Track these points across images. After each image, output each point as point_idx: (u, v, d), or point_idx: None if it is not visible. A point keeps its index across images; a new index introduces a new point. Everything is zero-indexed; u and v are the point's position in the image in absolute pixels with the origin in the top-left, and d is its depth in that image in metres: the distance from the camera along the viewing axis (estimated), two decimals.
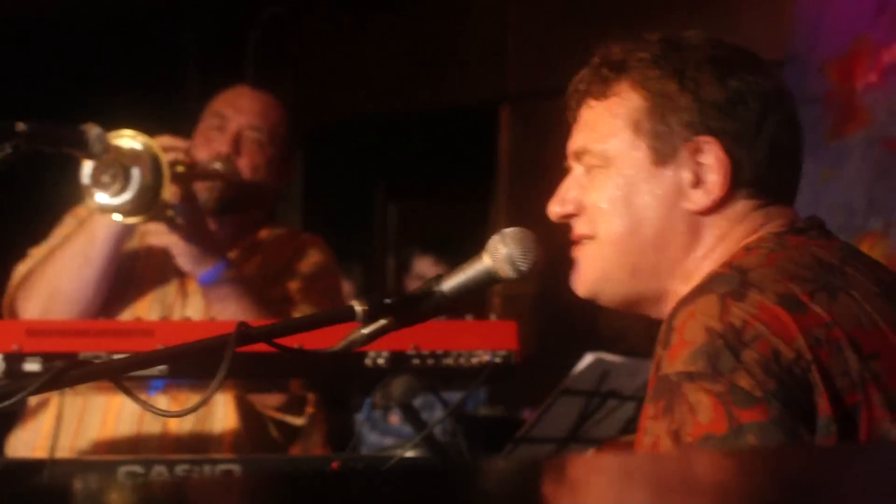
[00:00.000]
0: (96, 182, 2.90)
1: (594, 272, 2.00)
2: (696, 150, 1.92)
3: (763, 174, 1.94)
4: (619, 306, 2.03)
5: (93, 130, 2.70)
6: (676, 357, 1.76)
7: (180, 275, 3.19)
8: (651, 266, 1.96)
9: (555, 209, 2.03)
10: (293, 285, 3.27)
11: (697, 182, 1.93)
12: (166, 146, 2.97)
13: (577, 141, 2.02)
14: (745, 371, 1.71)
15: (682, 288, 1.93)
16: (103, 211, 2.95)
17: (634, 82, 1.95)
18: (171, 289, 3.22)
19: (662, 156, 1.93)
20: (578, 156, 2.02)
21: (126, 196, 2.91)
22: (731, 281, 1.80)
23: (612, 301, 2.02)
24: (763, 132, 1.93)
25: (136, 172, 2.90)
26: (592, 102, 2.00)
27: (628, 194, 1.95)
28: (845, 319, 1.79)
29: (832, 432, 1.73)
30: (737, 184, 1.93)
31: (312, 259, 3.34)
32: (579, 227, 2.01)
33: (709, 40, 1.97)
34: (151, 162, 2.91)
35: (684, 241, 1.94)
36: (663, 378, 1.76)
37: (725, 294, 1.78)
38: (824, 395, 1.73)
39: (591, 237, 2.00)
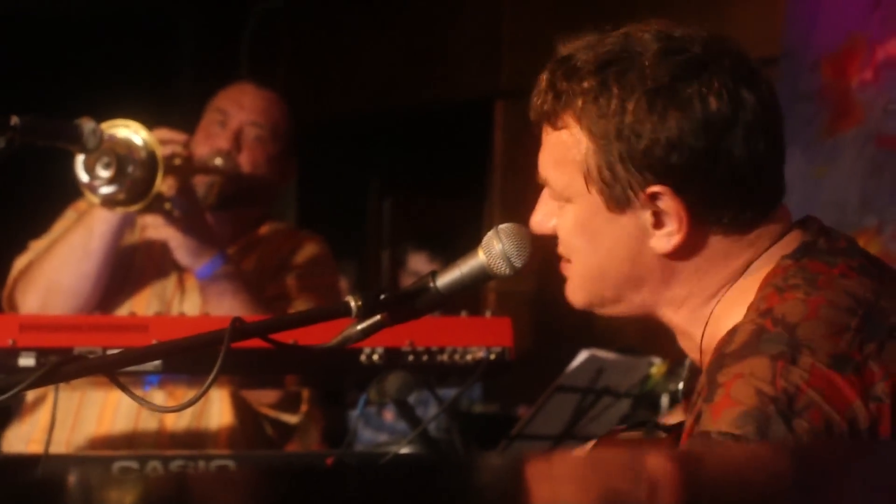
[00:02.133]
0: (90, 171, 2.90)
1: (579, 294, 1.95)
2: (651, 197, 1.83)
3: (729, 203, 1.85)
4: (613, 316, 1.98)
5: (87, 125, 2.70)
6: (721, 415, 1.69)
7: (179, 269, 3.19)
8: (632, 299, 1.91)
9: (535, 226, 1.96)
10: (290, 282, 3.27)
11: (659, 223, 1.85)
12: (164, 139, 2.97)
13: (541, 165, 1.94)
14: (796, 441, 1.65)
15: (677, 316, 1.90)
16: (97, 200, 2.95)
17: (578, 117, 1.85)
18: (169, 283, 3.22)
19: (618, 203, 1.85)
20: (544, 181, 1.94)
21: (119, 184, 2.91)
22: (780, 340, 1.72)
23: (606, 312, 1.96)
24: (718, 162, 1.82)
25: (129, 161, 2.90)
26: (548, 128, 1.92)
27: (591, 236, 1.89)
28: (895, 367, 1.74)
29: None
30: (703, 221, 1.85)
31: (310, 256, 3.34)
32: (560, 248, 1.95)
33: (657, 54, 1.83)
34: (145, 151, 2.91)
35: (660, 277, 1.88)
36: (704, 435, 1.70)
37: (776, 356, 1.71)
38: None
39: (568, 261, 1.94)
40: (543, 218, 1.95)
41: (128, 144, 2.90)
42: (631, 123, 1.81)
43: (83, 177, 2.91)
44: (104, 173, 2.89)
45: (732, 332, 1.79)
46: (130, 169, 2.91)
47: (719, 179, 1.83)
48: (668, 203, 1.83)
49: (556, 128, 1.89)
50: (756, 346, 1.73)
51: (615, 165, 1.83)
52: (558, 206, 1.92)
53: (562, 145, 1.88)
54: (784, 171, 1.93)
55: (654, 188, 1.82)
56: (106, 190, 2.92)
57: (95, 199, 2.96)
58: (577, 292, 1.95)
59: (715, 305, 1.88)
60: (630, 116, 1.81)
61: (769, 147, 1.87)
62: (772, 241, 1.88)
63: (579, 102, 1.85)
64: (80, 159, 2.90)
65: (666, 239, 1.85)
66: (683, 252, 1.86)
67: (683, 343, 1.95)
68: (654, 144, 1.81)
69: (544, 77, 1.91)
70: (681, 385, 2.11)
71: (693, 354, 1.93)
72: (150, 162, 2.91)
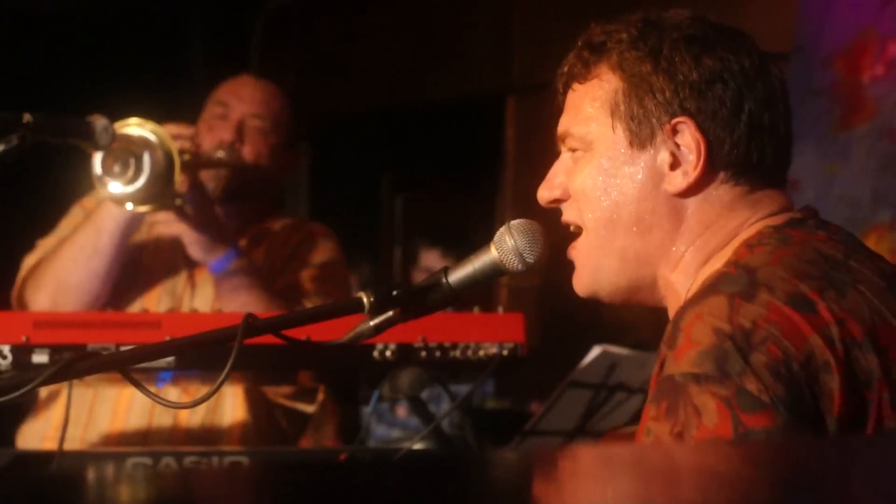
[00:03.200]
0: (108, 171, 2.90)
1: (589, 266, 1.99)
2: (673, 132, 1.91)
3: (744, 155, 1.92)
4: (617, 300, 2.01)
5: (99, 122, 2.70)
6: (682, 358, 1.73)
7: (189, 265, 3.20)
8: (638, 251, 1.94)
9: (543, 194, 2.03)
10: (300, 273, 3.27)
11: (675, 164, 1.91)
12: (172, 134, 2.97)
13: (561, 124, 2.02)
14: (754, 375, 1.68)
15: (673, 275, 1.93)
16: (115, 200, 2.95)
17: (613, 64, 1.95)
18: (180, 280, 3.22)
19: (640, 138, 1.93)
20: (563, 139, 2.02)
21: (138, 184, 2.91)
22: (738, 281, 1.78)
23: (610, 293, 2.00)
24: (741, 111, 1.91)
25: (146, 160, 2.90)
26: (576, 85, 2.00)
27: (608, 178, 1.94)
28: (856, 315, 1.76)
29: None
30: (716, 164, 1.91)
31: (319, 247, 3.35)
32: (567, 213, 2.00)
33: (690, 18, 1.96)
34: (162, 149, 2.91)
35: (668, 224, 1.93)
36: (668, 379, 1.74)
37: (734, 294, 1.75)
38: (837, 395, 1.70)
39: (577, 224, 1.99)
40: (554, 182, 2.02)
41: (144, 142, 2.90)
42: (667, 59, 1.91)
43: (101, 177, 2.92)
44: (122, 172, 2.89)
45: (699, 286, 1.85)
46: (148, 167, 2.91)
47: (739, 128, 1.91)
48: (689, 137, 1.90)
49: (585, 80, 1.98)
50: (715, 286, 1.79)
51: (645, 99, 1.92)
52: (574, 160, 1.99)
53: (590, 93, 1.97)
54: (788, 162, 1.99)
55: (680, 119, 1.90)
56: (125, 189, 2.92)
57: (111, 197, 2.95)
58: (586, 265, 1.99)
59: (701, 267, 1.92)
60: (666, 54, 1.91)
61: (782, 126, 1.96)
62: (772, 211, 1.94)
63: (615, 50, 1.95)
64: (97, 158, 2.90)
65: (681, 176, 1.91)
66: (693, 197, 1.93)
67: (671, 308, 1.97)
68: (687, 80, 1.90)
69: (578, 43, 2.01)
70: None
71: None
72: (166, 158, 2.92)
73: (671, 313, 1.96)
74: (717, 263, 1.88)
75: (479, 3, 6.07)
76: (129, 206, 2.96)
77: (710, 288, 1.79)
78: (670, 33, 1.93)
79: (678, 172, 1.91)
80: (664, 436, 1.72)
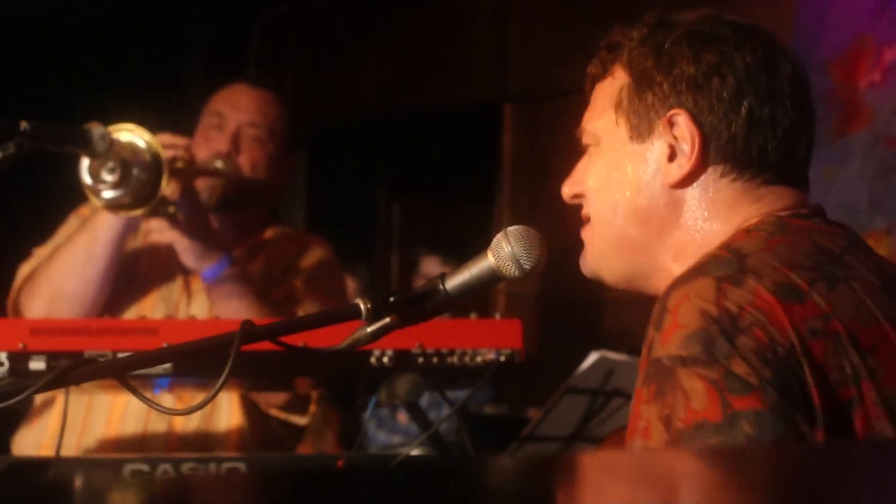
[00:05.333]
0: (95, 176, 2.90)
1: (592, 251, 2.05)
2: (670, 124, 1.95)
3: (742, 148, 1.94)
4: (618, 283, 2.06)
5: (96, 130, 2.71)
6: (669, 340, 1.74)
7: (185, 273, 3.20)
8: (636, 240, 1.99)
9: (565, 191, 2.08)
10: (297, 285, 3.27)
11: (672, 156, 1.95)
12: (166, 143, 2.97)
13: (581, 121, 2.08)
14: (741, 357, 1.69)
15: (673, 265, 1.94)
16: (103, 205, 2.95)
17: (624, 62, 2.00)
18: (175, 287, 3.22)
19: (640, 131, 1.97)
20: (580, 135, 2.07)
21: (124, 189, 2.91)
22: (728, 265, 1.79)
23: (611, 278, 2.05)
24: (740, 105, 1.93)
25: (134, 165, 2.90)
26: (596, 85, 2.06)
27: (612, 171, 2.00)
28: (844, 311, 1.77)
29: (823, 426, 1.69)
30: (713, 157, 1.94)
31: (317, 259, 3.34)
32: (585, 207, 2.06)
33: (702, 15, 1.99)
34: (149, 155, 2.91)
35: (666, 215, 1.96)
36: (655, 361, 1.74)
37: (722, 278, 1.76)
38: (814, 389, 1.69)
39: (589, 218, 2.05)
40: (576, 178, 2.07)
41: (132, 148, 2.90)
42: (667, 54, 1.95)
43: (88, 181, 2.92)
44: (109, 177, 2.89)
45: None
46: (135, 173, 2.91)
47: (737, 122, 1.93)
48: (684, 129, 1.94)
49: (602, 79, 2.04)
50: (704, 268, 1.80)
51: (646, 92, 1.96)
52: (589, 156, 2.05)
53: (603, 90, 2.03)
54: (798, 158, 1.99)
55: (675, 111, 1.93)
56: (111, 194, 2.93)
57: (100, 203, 2.96)
58: (590, 250, 2.05)
59: None
60: (668, 49, 1.95)
61: (791, 122, 1.96)
62: (773, 208, 1.94)
63: (626, 49, 2.00)
64: (85, 164, 2.90)
65: (677, 168, 1.95)
66: (692, 188, 1.95)
67: None
68: (684, 74, 1.94)
69: (601, 43, 2.06)
70: None
71: None
72: (154, 165, 2.92)
73: None
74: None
75: (476, 12, 6.07)
76: (113, 206, 2.95)
77: (699, 269, 1.81)
78: (676, 30, 1.97)
79: (675, 164, 1.95)
80: (652, 419, 1.72)
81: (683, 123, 1.94)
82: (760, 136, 1.94)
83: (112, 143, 2.75)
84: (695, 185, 1.95)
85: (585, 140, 2.06)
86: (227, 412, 3.17)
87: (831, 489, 1.09)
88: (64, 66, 5.86)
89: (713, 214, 1.94)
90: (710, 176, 1.95)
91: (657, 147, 1.96)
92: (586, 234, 2.06)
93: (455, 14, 6.14)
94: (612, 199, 2.00)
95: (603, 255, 2.04)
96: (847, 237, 1.92)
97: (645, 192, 1.97)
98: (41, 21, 6.01)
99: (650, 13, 2.01)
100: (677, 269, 1.93)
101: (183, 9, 6.74)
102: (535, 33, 5.72)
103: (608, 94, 2.01)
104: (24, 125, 2.46)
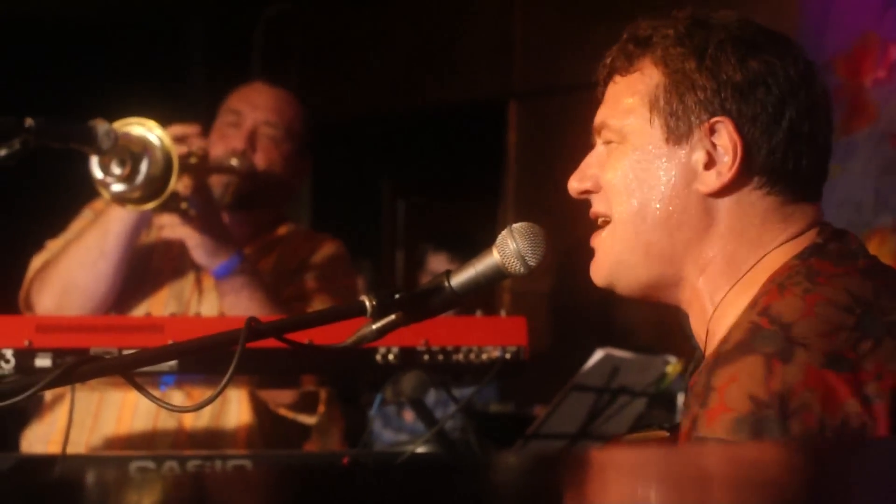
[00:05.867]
0: (105, 169, 2.90)
1: (610, 257, 1.96)
2: (711, 131, 1.89)
3: (780, 162, 1.89)
4: (635, 294, 1.98)
5: (101, 126, 2.70)
6: (716, 421, 1.70)
7: (197, 269, 3.20)
8: (664, 248, 1.91)
9: (573, 185, 2.00)
10: (308, 283, 3.27)
11: (710, 163, 1.89)
12: (178, 135, 2.97)
13: (599, 115, 2.00)
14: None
15: (700, 281, 1.90)
16: (114, 199, 2.96)
17: (657, 58, 1.92)
18: (187, 284, 3.23)
19: (677, 134, 1.90)
20: (599, 131, 1.99)
21: (135, 182, 2.91)
22: (774, 339, 1.73)
23: (628, 287, 1.97)
24: (782, 118, 1.89)
25: (144, 159, 2.90)
26: (617, 78, 1.97)
27: (641, 172, 1.92)
28: (893, 365, 1.74)
29: None
30: (751, 168, 1.89)
31: (329, 259, 3.34)
32: (596, 205, 1.98)
33: (738, 20, 1.94)
34: (160, 149, 2.91)
35: (697, 224, 1.90)
36: (700, 440, 1.71)
37: (770, 355, 1.71)
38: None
39: (606, 216, 1.96)
40: (587, 173, 1.99)
41: (143, 142, 2.90)
42: (712, 58, 1.89)
43: (98, 174, 2.92)
44: (119, 171, 2.89)
45: (731, 331, 1.80)
46: (146, 166, 2.91)
47: (778, 135, 1.89)
48: (726, 137, 1.88)
49: (627, 73, 1.96)
50: (750, 344, 1.74)
51: (686, 96, 1.90)
52: (608, 152, 1.97)
53: (630, 86, 1.95)
54: (825, 174, 1.97)
55: (718, 118, 1.88)
56: (121, 188, 2.93)
57: (110, 197, 2.96)
58: (608, 255, 1.96)
59: (730, 289, 1.89)
60: (712, 52, 1.89)
61: (822, 137, 1.95)
62: (801, 229, 1.91)
63: (660, 45, 1.92)
64: (94, 158, 2.90)
65: (715, 177, 1.89)
66: (725, 198, 1.90)
67: (695, 317, 1.94)
68: (730, 80, 1.88)
69: (623, 35, 1.98)
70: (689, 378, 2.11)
71: (700, 331, 1.93)
72: (165, 159, 2.92)
73: (693, 320, 1.95)
74: (747, 291, 1.85)
75: (480, 9, 6.07)
76: (122, 200, 2.95)
77: (745, 346, 1.75)
78: (717, 33, 1.91)
79: (712, 172, 1.89)
80: None
81: (726, 132, 1.88)
82: (797, 150, 1.90)
83: (117, 140, 2.74)
84: (729, 195, 1.90)
85: (607, 136, 1.97)
86: (236, 409, 3.17)
87: (831, 489, 1.09)
88: (68, 63, 5.87)
89: (744, 230, 1.90)
90: (746, 187, 1.90)
91: (695, 152, 1.90)
92: (602, 239, 1.98)
93: (459, 11, 6.14)
94: (640, 203, 1.92)
95: (623, 263, 1.95)
96: (872, 271, 1.87)
97: (678, 198, 1.90)
98: (45, 18, 6.01)
99: (680, 10, 1.95)
100: (704, 287, 1.90)
101: (186, 5, 6.75)
102: (540, 30, 5.72)
103: (638, 90, 1.93)
104: (28, 122, 2.46)
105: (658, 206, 1.91)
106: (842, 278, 1.83)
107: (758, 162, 1.89)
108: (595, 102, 2.04)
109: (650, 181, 1.92)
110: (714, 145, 1.89)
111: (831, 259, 1.86)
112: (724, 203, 1.90)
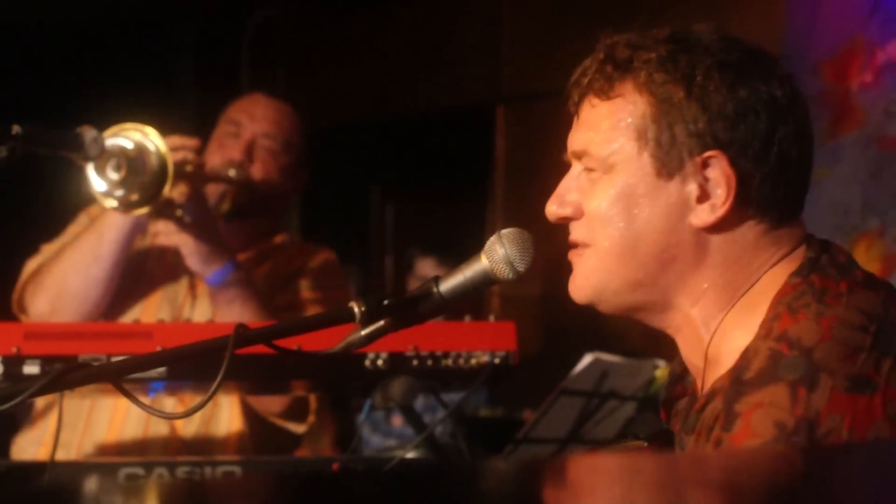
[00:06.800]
0: (100, 174, 2.91)
1: (592, 280, 1.93)
2: (703, 164, 1.85)
3: (771, 191, 1.87)
4: (617, 314, 1.96)
5: (89, 133, 2.70)
6: (742, 446, 1.70)
7: (190, 275, 3.20)
8: (656, 279, 1.89)
9: (553, 209, 1.95)
10: (301, 293, 3.28)
11: (703, 197, 1.86)
12: (175, 145, 2.98)
13: (578, 140, 1.95)
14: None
15: (694, 310, 1.88)
16: (107, 203, 2.96)
17: (640, 84, 1.88)
18: (181, 289, 3.23)
19: (668, 168, 1.86)
20: (579, 156, 1.95)
21: (130, 187, 2.92)
22: (798, 366, 1.72)
23: (611, 309, 1.95)
24: (772, 145, 1.86)
25: (140, 164, 2.91)
26: (595, 101, 1.92)
27: (630, 206, 1.88)
28: None
29: None
30: (744, 200, 1.86)
31: (322, 269, 3.35)
32: (576, 233, 1.94)
33: (720, 40, 1.89)
34: (156, 154, 2.92)
35: (692, 257, 1.88)
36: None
37: (795, 383, 1.71)
38: None
39: (585, 244, 1.93)
40: (566, 198, 1.94)
41: (139, 147, 2.91)
42: (700, 88, 1.84)
43: (94, 179, 2.92)
44: (115, 176, 2.90)
45: (748, 356, 1.78)
46: (141, 171, 2.91)
47: (769, 163, 1.86)
48: (719, 171, 1.85)
49: (607, 98, 1.90)
50: (774, 372, 1.73)
51: (675, 127, 1.85)
52: (590, 180, 1.92)
53: (613, 113, 1.90)
54: (807, 189, 1.95)
55: (711, 153, 1.84)
56: (117, 192, 2.93)
57: (107, 202, 2.96)
58: (590, 278, 1.92)
59: (727, 313, 1.88)
60: (700, 82, 1.85)
61: (806, 160, 1.91)
62: (792, 247, 1.89)
63: (643, 70, 1.87)
64: (90, 169, 2.91)
65: (709, 211, 1.86)
66: (719, 232, 1.87)
67: (687, 344, 1.93)
68: (721, 112, 1.84)
69: (598, 54, 1.92)
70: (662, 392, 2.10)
71: (695, 358, 1.92)
72: (160, 165, 2.92)
73: (684, 346, 1.94)
74: (746, 313, 1.84)
75: (468, 14, 6.07)
76: (114, 205, 2.96)
77: (769, 374, 1.74)
78: (702, 57, 1.86)
79: (706, 206, 1.86)
80: None
81: (720, 166, 1.85)
82: (787, 177, 1.88)
83: (105, 148, 2.75)
84: (723, 227, 1.87)
85: (589, 163, 1.92)
86: (227, 415, 3.17)
87: (827, 492, 1.09)
88: (56, 69, 5.86)
89: (737, 258, 1.88)
90: (737, 218, 1.87)
91: (687, 185, 1.86)
92: (583, 259, 1.94)
93: (447, 16, 6.14)
94: (629, 234, 1.88)
95: (609, 288, 1.92)
96: (871, 284, 1.85)
97: (671, 232, 1.87)
98: (33, 25, 6.00)
99: (659, 29, 1.90)
100: (698, 315, 1.88)
101: (175, 11, 6.74)
102: (528, 35, 5.72)
103: (621, 119, 1.88)
104: (16, 129, 2.46)
105: (650, 241, 1.88)
106: (849, 296, 1.81)
107: (751, 193, 1.87)
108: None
109: (641, 214, 1.88)
110: (707, 179, 1.86)
111: (831, 275, 1.85)
112: (717, 236, 1.88)
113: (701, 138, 1.85)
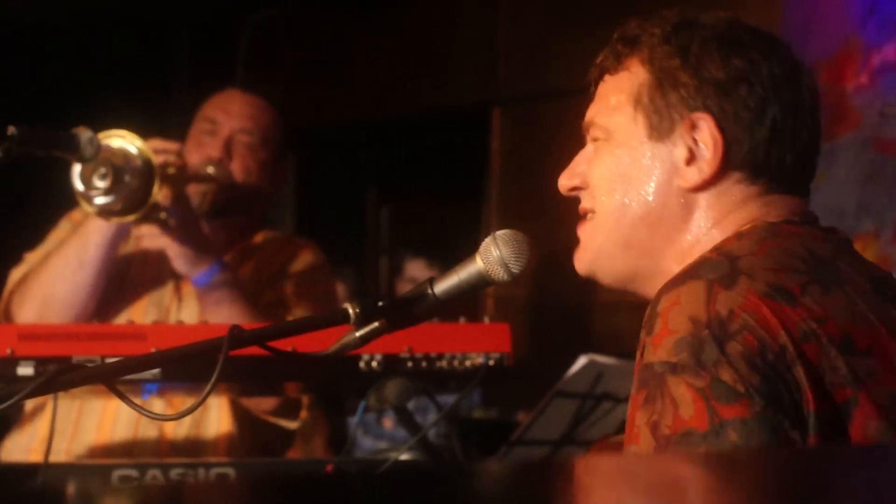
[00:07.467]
0: (86, 181, 2.90)
1: (591, 248, 2.00)
2: (692, 127, 1.91)
3: (761, 158, 1.92)
4: (615, 284, 2.01)
5: (84, 134, 2.70)
6: (660, 345, 1.73)
7: (176, 278, 3.20)
8: (643, 241, 1.94)
9: (563, 182, 2.03)
10: (287, 289, 3.27)
11: (691, 159, 1.91)
12: (157, 149, 2.98)
13: (588, 114, 2.02)
14: (729, 364, 1.68)
15: (677, 268, 1.90)
16: (93, 210, 2.95)
17: (644, 57, 1.95)
18: (166, 292, 3.22)
19: (659, 131, 1.93)
20: (588, 129, 2.02)
21: (116, 195, 2.91)
22: (719, 267, 1.78)
23: (608, 277, 2.00)
24: (764, 115, 1.91)
25: (125, 171, 2.91)
26: (606, 77, 2.00)
27: (624, 168, 1.95)
28: (838, 314, 1.76)
29: (818, 429, 1.69)
30: (731, 164, 1.91)
31: (307, 264, 3.35)
32: (584, 201, 2.01)
33: (727, 20, 1.96)
34: (141, 160, 2.91)
35: (677, 218, 1.93)
36: (647, 367, 1.74)
37: (713, 280, 1.75)
38: (808, 392, 1.69)
39: (593, 211, 1.99)
40: (576, 170, 2.02)
41: (124, 154, 2.90)
42: (695, 56, 1.92)
43: (80, 187, 2.92)
44: (101, 183, 2.89)
45: None
46: (127, 179, 2.91)
47: (760, 132, 1.91)
48: (707, 133, 1.90)
49: (616, 72, 1.99)
50: (695, 271, 1.78)
51: (669, 91, 1.92)
52: (595, 149, 2.00)
53: (617, 84, 1.98)
54: (810, 172, 2.01)
55: (700, 114, 1.90)
56: (103, 200, 2.93)
57: (92, 210, 2.96)
58: (590, 245, 2.00)
59: None
60: (695, 51, 1.92)
61: (807, 135, 1.97)
62: (784, 216, 1.93)
63: (647, 45, 1.95)
64: (76, 170, 2.90)
65: (696, 172, 1.91)
66: (705, 192, 1.92)
67: None
68: (713, 78, 1.91)
69: (614, 36, 2.01)
70: None
71: None
72: (145, 171, 2.92)
73: None
74: None
75: (464, 15, 6.07)
76: (104, 213, 2.95)
77: (690, 272, 1.79)
78: (702, 32, 1.94)
79: (693, 168, 1.91)
80: (641, 425, 1.72)
81: (707, 128, 1.90)
82: (780, 147, 1.93)
83: (100, 148, 2.74)
84: (710, 190, 1.92)
85: (594, 133, 2.00)
86: (217, 417, 3.17)
87: (822, 494, 1.09)
88: (52, 71, 5.86)
89: (721, 221, 1.92)
90: (726, 182, 1.92)
91: (676, 148, 1.92)
92: (585, 229, 2.01)
93: (443, 17, 6.14)
94: (622, 197, 1.95)
95: (604, 253, 1.98)
96: (838, 243, 1.92)
97: (659, 193, 1.93)
98: (28, 27, 6.00)
99: (669, 11, 1.98)
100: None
101: (171, 13, 6.73)
102: (524, 37, 5.72)
103: (624, 88, 1.96)
104: (11, 130, 2.45)
105: (640, 201, 1.94)
106: (803, 237, 1.88)
107: (739, 158, 1.92)
108: (580, 108, 2.06)
109: (632, 176, 1.95)
110: (695, 141, 1.91)
111: (802, 226, 1.91)
112: (704, 196, 1.93)
113: (691, 102, 1.91)
